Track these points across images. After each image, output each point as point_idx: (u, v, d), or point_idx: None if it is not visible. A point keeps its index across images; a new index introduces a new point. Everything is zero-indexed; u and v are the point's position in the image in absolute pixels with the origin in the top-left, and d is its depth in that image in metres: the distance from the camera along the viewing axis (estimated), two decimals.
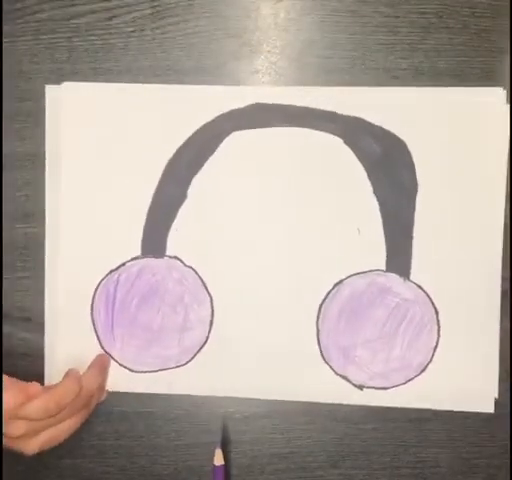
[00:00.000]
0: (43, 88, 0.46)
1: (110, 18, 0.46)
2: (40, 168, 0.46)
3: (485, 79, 0.45)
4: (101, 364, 0.45)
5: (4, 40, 0.46)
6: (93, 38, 0.46)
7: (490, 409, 0.45)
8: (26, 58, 0.46)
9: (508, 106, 0.44)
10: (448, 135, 0.45)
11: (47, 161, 0.46)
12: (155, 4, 0.46)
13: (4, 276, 0.47)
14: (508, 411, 0.46)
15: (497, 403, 0.45)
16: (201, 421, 0.47)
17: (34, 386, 0.40)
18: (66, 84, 0.46)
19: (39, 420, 0.39)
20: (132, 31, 0.46)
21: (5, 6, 0.46)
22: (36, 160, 0.46)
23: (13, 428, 0.38)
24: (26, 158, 0.47)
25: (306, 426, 0.47)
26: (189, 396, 0.46)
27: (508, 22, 0.45)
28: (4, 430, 0.38)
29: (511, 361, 0.45)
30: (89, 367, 0.45)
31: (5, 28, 0.46)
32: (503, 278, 0.45)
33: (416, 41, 0.45)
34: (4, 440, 0.39)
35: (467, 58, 0.45)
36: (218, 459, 0.44)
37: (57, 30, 0.46)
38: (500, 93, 0.45)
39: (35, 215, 0.47)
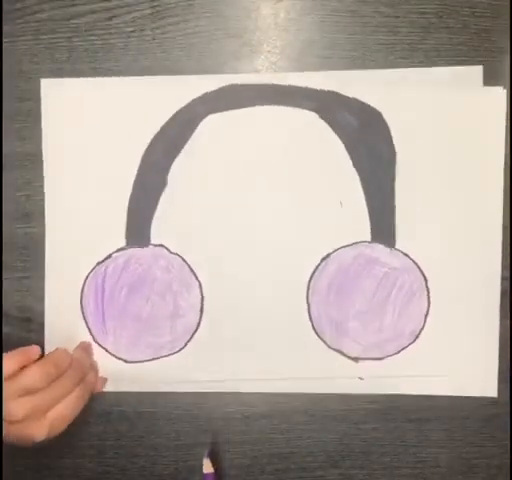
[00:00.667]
0: None
1: (110, 18, 0.46)
2: (40, 168, 0.46)
3: (485, 79, 0.45)
4: (83, 346, 0.46)
5: (4, 40, 0.46)
6: (93, 38, 0.46)
7: (493, 393, 0.45)
8: (26, 58, 0.46)
9: (508, 106, 0.45)
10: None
11: (44, 159, 0.46)
12: (155, 4, 0.46)
13: (4, 276, 0.47)
14: (508, 411, 0.46)
15: (497, 403, 0.45)
16: (201, 421, 0.47)
17: (34, 348, 0.40)
18: (44, 81, 0.46)
19: (41, 389, 0.39)
20: (132, 31, 0.46)
21: (5, 6, 0.46)
22: (36, 160, 0.46)
23: (17, 407, 0.38)
24: (26, 158, 0.47)
25: (306, 426, 0.47)
26: (189, 396, 0.46)
27: (508, 22, 0.45)
28: (5, 414, 0.38)
29: (511, 360, 0.45)
30: (73, 350, 0.45)
31: (5, 28, 0.46)
32: (503, 266, 0.45)
33: (416, 41, 0.45)
34: (9, 428, 0.38)
35: (467, 58, 0.45)
36: (207, 467, 0.44)
37: (57, 30, 0.46)
38: (500, 93, 0.45)
39: (35, 215, 0.47)
